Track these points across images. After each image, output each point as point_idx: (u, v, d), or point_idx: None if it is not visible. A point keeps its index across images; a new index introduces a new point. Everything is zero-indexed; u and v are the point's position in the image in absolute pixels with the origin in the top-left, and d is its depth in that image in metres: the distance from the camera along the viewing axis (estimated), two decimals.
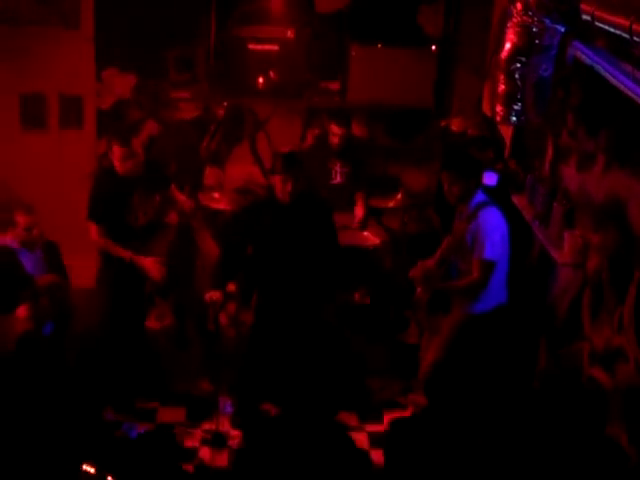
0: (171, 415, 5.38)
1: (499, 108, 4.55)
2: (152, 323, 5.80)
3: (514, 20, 4.28)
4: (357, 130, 7.47)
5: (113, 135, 5.32)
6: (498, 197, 5.54)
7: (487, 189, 5.24)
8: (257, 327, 5.39)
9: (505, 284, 4.99)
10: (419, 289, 5.10)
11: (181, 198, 5.72)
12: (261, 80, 7.13)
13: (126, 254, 5.29)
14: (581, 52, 4.25)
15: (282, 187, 4.96)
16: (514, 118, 4.53)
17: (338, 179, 6.75)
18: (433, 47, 7.21)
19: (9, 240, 5.24)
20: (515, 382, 5.28)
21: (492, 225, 4.78)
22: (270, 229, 5.12)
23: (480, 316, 4.95)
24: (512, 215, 5.51)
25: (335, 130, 6.51)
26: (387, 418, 5.38)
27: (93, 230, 5.31)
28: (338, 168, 6.72)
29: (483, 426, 4.83)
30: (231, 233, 5.47)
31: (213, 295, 5.08)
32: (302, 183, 5.02)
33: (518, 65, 4.35)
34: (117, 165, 5.26)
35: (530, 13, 4.18)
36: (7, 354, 4.40)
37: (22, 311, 4.58)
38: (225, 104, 7.22)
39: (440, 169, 5.15)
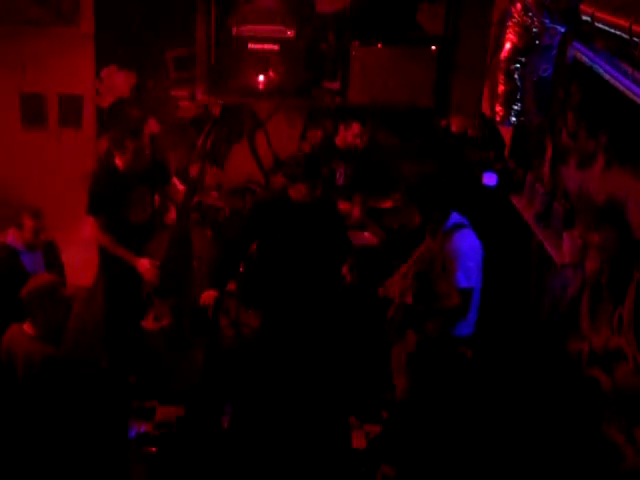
0: (170, 414, 5.38)
1: (499, 108, 4.55)
2: (150, 323, 5.80)
3: (514, 20, 4.28)
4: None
5: (124, 132, 5.33)
6: (496, 197, 5.55)
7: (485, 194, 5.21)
8: (264, 329, 5.37)
9: (475, 313, 4.72)
10: (395, 306, 4.91)
11: (181, 188, 5.74)
12: (261, 80, 7.12)
13: (124, 253, 5.30)
14: (581, 53, 4.25)
15: (300, 195, 4.90)
16: (514, 118, 4.52)
17: (342, 180, 6.75)
18: (433, 47, 7.20)
19: (10, 239, 5.25)
20: (514, 382, 5.28)
21: (465, 251, 4.53)
22: (281, 227, 5.09)
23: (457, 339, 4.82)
24: (511, 215, 5.52)
25: (357, 130, 6.53)
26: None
27: (94, 225, 5.33)
28: (342, 169, 6.72)
29: (481, 424, 4.84)
30: (235, 232, 5.45)
31: (206, 296, 5.06)
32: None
33: (518, 65, 4.34)
34: (119, 162, 5.28)
35: (530, 13, 4.18)
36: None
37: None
38: (220, 102, 7.23)
39: (406, 200, 4.91)
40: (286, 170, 5.13)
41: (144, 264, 5.30)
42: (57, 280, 4.63)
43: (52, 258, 5.44)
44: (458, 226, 4.62)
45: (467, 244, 4.57)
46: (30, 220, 5.20)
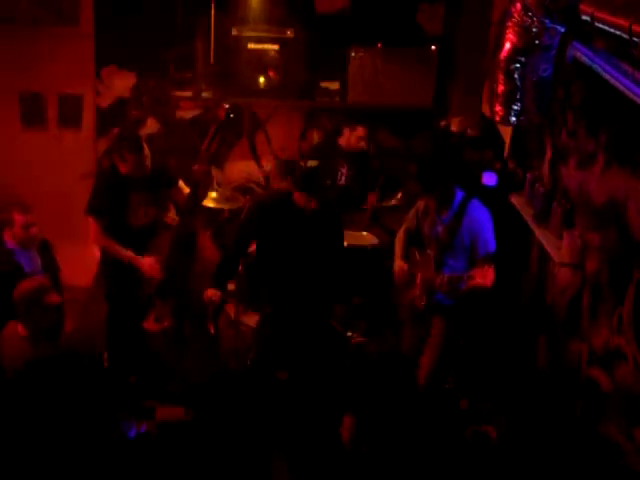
0: (170, 414, 5.38)
1: (498, 108, 4.54)
2: (151, 324, 5.79)
3: (514, 20, 4.27)
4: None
5: (124, 143, 5.28)
6: (495, 197, 5.55)
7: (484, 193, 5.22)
8: (263, 328, 5.36)
9: None
10: (420, 293, 5.02)
11: (187, 190, 5.72)
12: (261, 80, 7.13)
13: (125, 254, 5.28)
14: (581, 52, 4.25)
15: (305, 202, 4.92)
16: (513, 118, 4.51)
17: (344, 181, 6.75)
18: (433, 47, 7.20)
19: (4, 240, 5.20)
20: (514, 382, 5.28)
21: (485, 218, 4.82)
22: (282, 229, 5.08)
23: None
24: (511, 215, 5.52)
25: (362, 133, 6.55)
26: None
27: (93, 226, 5.29)
28: (345, 170, 6.72)
29: (481, 423, 4.84)
30: (235, 231, 5.44)
31: (212, 294, 5.06)
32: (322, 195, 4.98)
33: (517, 65, 4.34)
34: (121, 167, 5.24)
35: (530, 13, 4.18)
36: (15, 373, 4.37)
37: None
38: (226, 106, 7.23)
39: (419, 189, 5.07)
40: (295, 177, 5.11)
41: (147, 261, 5.28)
42: (46, 284, 4.60)
43: (47, 258, 5.38)
44: (467, 199, 4.82)
45: (482, 212, 4.81)
46: (19, 215, 5.12)
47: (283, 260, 5.12)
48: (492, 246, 4.74)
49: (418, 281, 4.97)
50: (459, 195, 4.84)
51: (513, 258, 5.61)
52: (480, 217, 4.80)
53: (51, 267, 5.34)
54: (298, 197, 4.95)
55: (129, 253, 5.28)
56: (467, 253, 4.81)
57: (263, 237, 5.21)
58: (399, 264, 5.09)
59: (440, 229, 4.88)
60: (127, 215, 5.30)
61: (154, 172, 5.39)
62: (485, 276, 4.54)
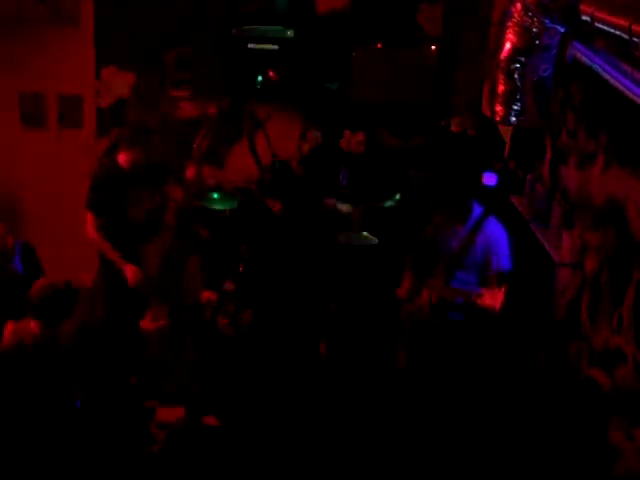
0: (170, 414, 5.38)
1: (498, 108, 4.54)
2: (148, 324, 5.79)
3: (514, 20, 4.28)
4: None
5: (135, 128, 5.29)
6: (496, 198, 5.54)
7: (485, 194, 5.22)
8: (256, 327, 5.38)
9: None
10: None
11: (178, 189, 5.72)
12: (261, 80, 7.13)
13: (112, 255, 5.26)
14: (581, 53, 4.25)
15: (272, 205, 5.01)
16: (513, 118, 4.52)
17: (346, 182, 6.75)
18: (433, 47, 7.21)
19: None
20: (514, 382, 5.28)
21: (502, 236, 4.74)
22: (265, 230, 5.13)
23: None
24: (511, 215, 5.52)
25: (362, 138, 6.57)
26: None
27: (90, 222, 5.29)
28: (346, 171, 6.73)
29: (481, 423, 4.84)
30: (228, 231, 5.46)
31: (208, 295, 5.09)
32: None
33: (518, 65, 4.34)
34: (122, 158, 5.26)
35: (530, 13, 4.18)
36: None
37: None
38: (218, 104, 7.24)
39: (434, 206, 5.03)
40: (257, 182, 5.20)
41: (131, 268, 5.25)
42: (60, 283, 4.60)
43: (30, 263, 5.34)
44: (484, 215, 4.75)
45: (498, 229, 4.74)
46: None
47: (270, 258, 5.17)
48: (506, 263, 4.64)
49: (425, 294, 4.92)
50: (477, 210, 4.78)
51: (513, 258, 5.61)
52: (496, 234, 4.72)
53: (34, 272, 5.30)
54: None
55: (117, 256, 5.26)
56: (479, 268, 4.74)
57: (250, 238, 5.27)
58: (407, 285, 5.06)
59: (454, 243, 4.84)
60: (125, 210, 5.31)
61: (151, 168, 5.41)
62: (495, 297, 4.47)
